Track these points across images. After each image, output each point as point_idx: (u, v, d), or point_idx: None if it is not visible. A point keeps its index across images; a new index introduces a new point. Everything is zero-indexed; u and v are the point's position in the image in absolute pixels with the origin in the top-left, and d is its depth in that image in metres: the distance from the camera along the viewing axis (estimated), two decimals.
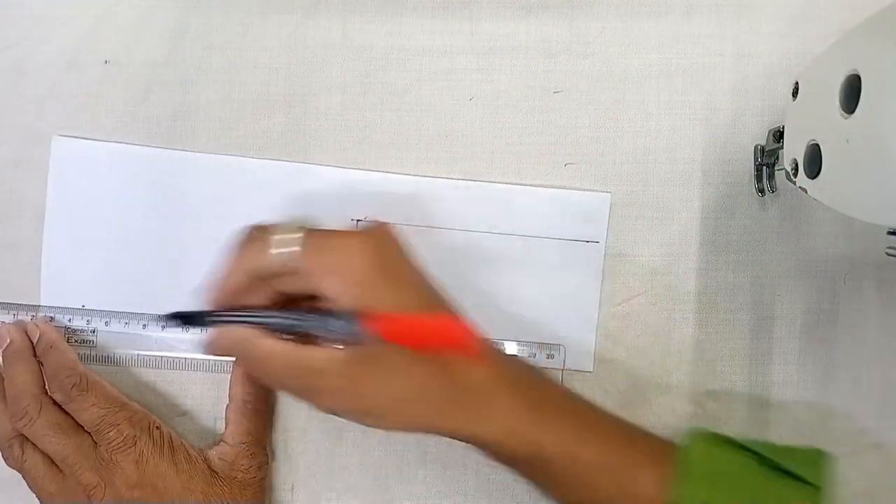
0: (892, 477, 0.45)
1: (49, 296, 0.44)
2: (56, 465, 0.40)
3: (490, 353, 0.38)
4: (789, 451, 0.39)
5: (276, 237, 0.35)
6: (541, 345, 0.44)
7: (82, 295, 0.44)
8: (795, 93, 0.37)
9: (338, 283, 0.34)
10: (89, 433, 0.40)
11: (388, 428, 0.37)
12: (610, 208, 0.45)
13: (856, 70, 0.31)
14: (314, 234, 0.35)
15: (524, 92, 0.45)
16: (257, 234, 0.36)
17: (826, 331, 0.45)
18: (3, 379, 0.42)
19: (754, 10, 0.45)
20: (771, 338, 0.45)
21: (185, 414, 0.44)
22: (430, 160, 0.45)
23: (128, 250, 0.44)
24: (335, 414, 0.36)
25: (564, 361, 0.44)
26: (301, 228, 0.35)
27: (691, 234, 0.45)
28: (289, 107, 0.45)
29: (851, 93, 0.31)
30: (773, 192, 0.44)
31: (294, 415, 0.44)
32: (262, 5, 0.45)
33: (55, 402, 0.41)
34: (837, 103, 0.32)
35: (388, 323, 0.32)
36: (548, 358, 0.44)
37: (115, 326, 0.44)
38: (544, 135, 0.45)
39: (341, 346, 0.34)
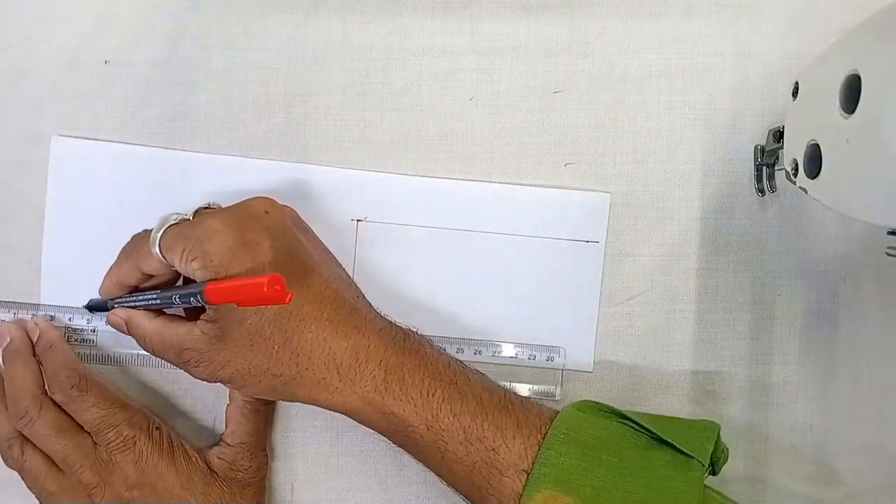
0: (893, 477, 0.45)
1: (49, 295, 0.44)
2: (56, 466, 0.40)
3: (365, 326, 0.38)
4: (674, 422, 0.38)
5: (151, 235, 0.38)
6: (542, 347, 0.44)
7: (82, 294, 0.44)
8: (795, 93, 0.37)
9: (197, 269, 0.37)
10: (89, 433, 0.40)
11: (251, 395, 0.41)
12: (610, 208, 0.45)
13: (856, 70, 0.31)
14: (175, 228, 0.38)
15: (524, 92, 0.45)
16: (142, 235, 0.40)
17: (826, 331, 0.45)
18: (3, 378, 0.42)
19: (754, 10, 0.45)
20: (771, 338, 0.45)
21: (184, 414, 0.44)
22: (430, 160, 0.45)
23: None
24: (209, 381, 0.38)
25: (564, 363, 0.44)
26: (168, 221, 0.38)
27: (691, 234, 0.45)
28: (289, 107, 0.45)
29: (851, 93, 0.31)
30: (773, 192, 0.44)
31: (294, 415, 0.44)
32: (262, 5, 0.45)
33: (55, 402, 0.41)
34: (837, 103, 0.32)
35: (212, 287, 0.35)
36: (547, 360, 0.44)
37: None
38: (544, 135, 0.45)
39: (206, 321, 0.38)
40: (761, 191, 0.44)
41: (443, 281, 0.44)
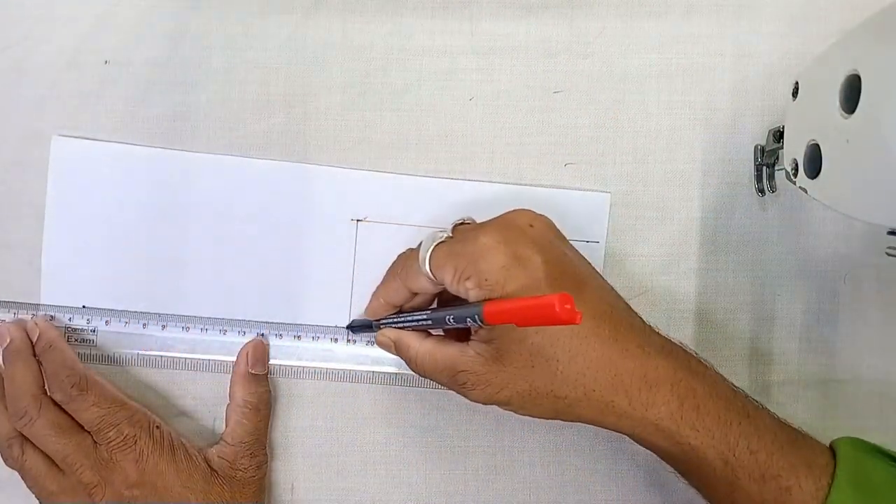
0: None
1: (49, 295, 0.44)
2: (56, 465, 0.40)
3: (647, 344, 0.37)
4: None
5: (419, 255, 0.38)
6: None
7: (82, 294, 0.44)
8: (795, 93, 0.37)
9: (471, 288, 0.36)
10: (89, 432, 0.40)
11: (528, 416, 0.38)
12: (610, 208, 0.45)
13: (856, 70, 0.31)
14: (443, 246, 0.37)
15: (524, 92, 0.45)
16: (410, 255, 0.40)
17: (826, 331, 0.45)
18: (3, 378, 0.42)
19: (754, 10, 0.45)
20: (771, 338, 0.45)
21: (184, 414, 0.44)
22: (430, 160, 0.45)
23: (128, 250, 0.44)
24: (485, 403, 0.37)
25: None
26: (435, 238, 0.38)
27: (691, 234, 0.45)
28: (289, 107, 0.45)
29: (851, 93, 0.31)
30: (773, 192, 0.44)
31: (294, 415, 0.44)
32: (262, 5, 0.45)
33: (55, 402, 0.41)
34: (837, 103, 0.32)
35: (492, 308, 0.33)
36: None
37: (115, 326, 0.44)
38: (544, 135, 0.45)
39: (479, 341, 0.36)
40: (761, 191, 0.44)
41: None
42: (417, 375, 0.40)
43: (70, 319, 0.44)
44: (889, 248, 0.34)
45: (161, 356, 0.44)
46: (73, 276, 0.44)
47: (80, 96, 0.44)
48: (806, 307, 0.45)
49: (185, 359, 0.44)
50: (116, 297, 0.44)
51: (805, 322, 0.45)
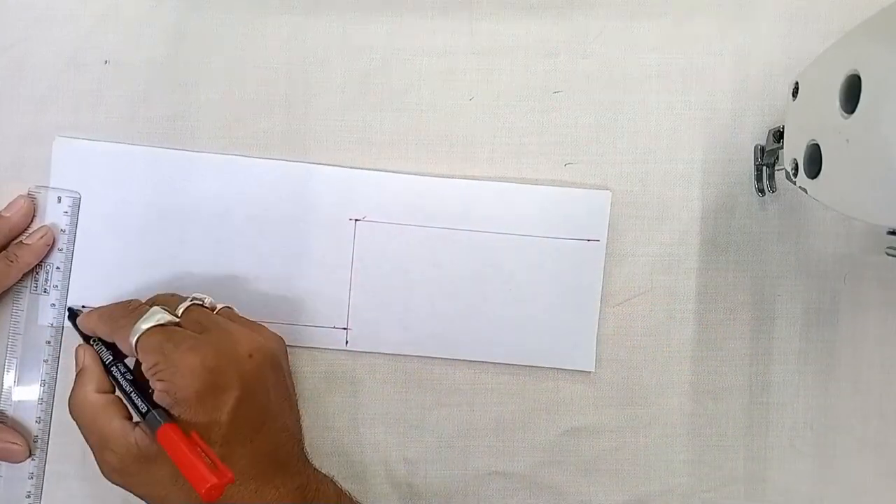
0: (893, 477, 0.45)
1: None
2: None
3: (280, 482, 0.38)
4: None
5: (135, 325, 0.38)
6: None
7: (82, 295, 0.44)
8: (795, 93, 0.37)
9: (160, 390, 0.37)
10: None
11: None
12: (610, 207, 0.45)
13: (856, 70, 0.31)
14: (159, 335, 0.37)
15: (524, 92, 0.45)
16: (133, 310, 0.39)
17: (826, 331, 0.45)
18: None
19: (754, 10, 0.45)
20: (771, 338, 0.45)
21: None
22: (430, 160, 0.45)
23: (128, 250, 0.44)
24: (108, 480, 0.38)
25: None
26: (158, 320, 0.38)
27: (691, 234, 0.45)
28: (289, 107, 0.45)
29: (851, 93, 0.31)
30: (773, 192, 0.44)
31: None
32: (262, 5, 0.45)
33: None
34: (837, 103, 0.32)
35: (164, 439, 0.35)
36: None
37: None
38: (544, 135, 0.45)
39: (143, 432, 0.37)
40: (761, 191, 0.44)
41: (442, 280, 0.44)
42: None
43: None
44: (889, 248, 0.34)
45: None
46: (74, 276, 0.44)
47: (80, 96, 0.44)
48: (806, 307, 0.45)
49: None
50: (117, 298, 0.44)
51: (805, 322, 0.45)
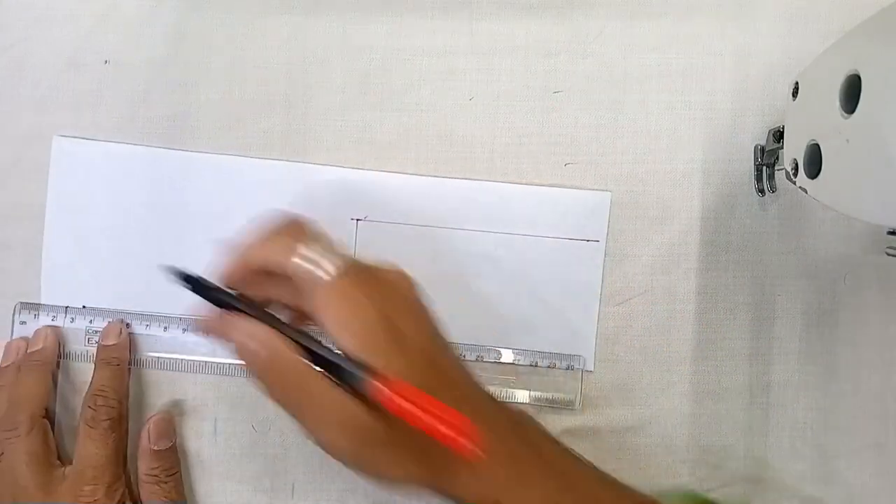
0: (892, 477, 0.45)
1: (49, 295, 0.44)
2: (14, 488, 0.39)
3: (485, 413, 0.34)
4: None
5: (305, 251, 0.32)
6: (562, 355, 0.44)
7: (83, 295, 0.44)
8: (795, 93, 0.37)
9: (345, 335, 0.32)
10: (63, 466, 0.40)
11: (382, 482, 0.34)
12: (610, 207, 0.45)
13: (856, 70, 0.31)
14: (337, 278, 0.32)
15: (524, 92, 0.45)
16: (292, 230, 0.34)
17: (826, 331, 0.45)
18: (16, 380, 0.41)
19: (754, 10, 0.45)
20: (771, 338, 0.45)
21: (184, 414, 0.44)
22: (430, 160, 0.45)
23: (128, 250, 0.44)
24: (323, 449, 0.33)
25: (583, 371, 0.44)
26: (333, 258, 0.33)
27: (691, 234, 0.45)
28: (289, 107, 0.45)
29: (851, 93, 0.31)
30: (773, 192, 0.44)
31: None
32: (262, 5, 0.45)
33: (47, 429, 0.41)
34: (837, 103, 0.32)
35: (394, 397, 0.30)
36: (567, 368, 0.44)
37: None
38: (544, 135, 0.45)
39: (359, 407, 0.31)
40: (761, 191, 0.44)
41: (442, 280, 0.44)
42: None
43: (71, 320, 0.44)
44: (889, 248, 0.34)
45: (162, 357, 0.44)
46: (73, 276, 0.44)
47: (80, 96, 0.44)
48: (806, 307, 0.45)
49: (186, 360, 0.44)
50: (116, 298, 0.44)
51: (805, 322, 0.45)
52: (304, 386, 0.31)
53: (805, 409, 0.45)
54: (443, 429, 0.29)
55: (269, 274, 0.33)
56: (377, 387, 0.30)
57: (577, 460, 0.38)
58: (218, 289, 0.34)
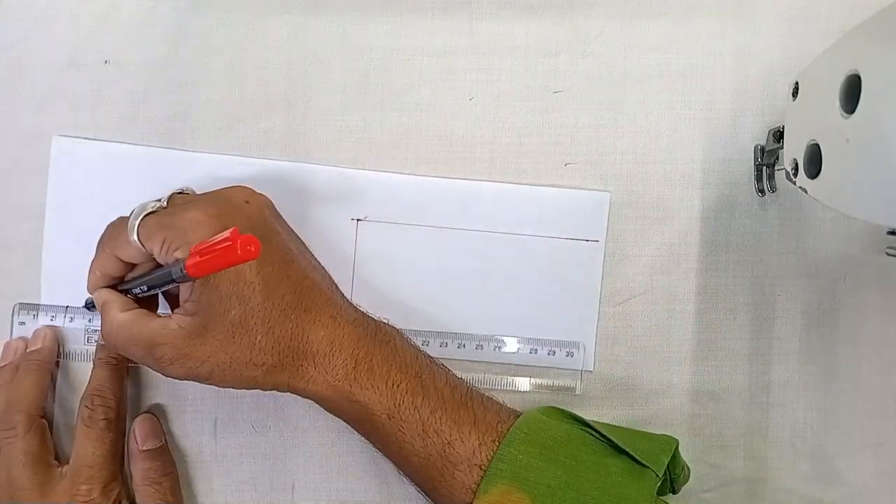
0: (893, 477, 0.45)
1: (49, 295, 0.44)
2: (9, 488, 0.39)
3: (339, 315, 0.39)
4: (634, 434, 0.39)
5: (129, 223, 0.37)
6: (561, 342, 0.44)
7: (82, 294, 0.44)
8: (795, 93, 0.37)
9: (179, 258, 0.35)
10: (61, 466, 0.40)
11: (228, 387, 0.38)
12: (610, 208, 0.45)
13: (856, 70, 0.31)
14: (154, 217, 0.37)
15: (524, 92, 0.45)
16: (119, 224, 0.39)
17: (826, 331, 0.45)
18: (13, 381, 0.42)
19: (754, 10, 0.45)
20: (771, 338, 0.45)
21: (185, 414, 0.44)
22: (430, 160, 0.45)
23: None
24: (183, 379, 0.38)
25: (584, 359, 0.44)
26: (146, 208, 0.38)
27: (691, 234, 0.45)
28: (289, 107, 0.45)
29: (851, 93, 0.31)
30: (773, 192, 0.44)
31: (294, 415, 0.44)
32: (262, 5, 0.45)
33: (44, 429, 0.41)
34: (837, 103, 0.32)
35: (192, 260, 0.33)
36: (567, 355, 0.44)
37: None
38: (544, 135, 0.45)
39: (183, 315, 0.37)
40: (761, 191, 0.44)
41: (442, 280, 0.44)
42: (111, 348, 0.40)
43: (71, 320, 0.44)
44: (889, 248, 0.34)
45: None
46: (73, 276, 0.44)
47: (80, 96, 0.44)
48: (806, 307, 0.45)
49: None
50: None
51: (805, 322, 0.45)
52: (131, 324, 0.38)
53: (805, 409, 0.45)
54: (220, 242, 0.32)
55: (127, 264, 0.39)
56: (184, 266, 0.33)
57: (435, 365, 0.40)
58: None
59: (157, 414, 0.44)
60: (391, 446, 0.39)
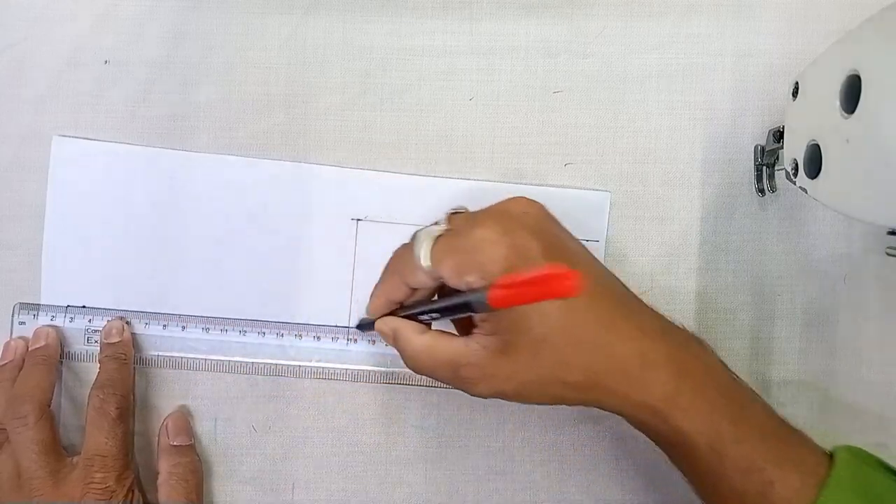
0: None
1: (49, 295, 0.44)
2: (20, 479, 0.39)
3: (646, 326, 0.36)
4: None
5: (415, 250, 0.36)
6: None
7: (83, 295, 0.44)
8: (795, 93, 0.37)
9: (473, 282, 0.34)
10: (71, 457, 0.40)
11: (532, 404, 0.37)
12: (610, 208, 0.45)
13: (856, 70, 0.31)
14: (442, 241, 0.36)
15: (524, 92, 0.45)
16: (404, 251, 0.38)
17: (826, 331, 0.45)
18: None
19: (754, 10, 0.45)
20: (771, 337, 0.45)
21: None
22: (430, 160, 0.45)
23: (128, 250, 0.44)
24: (488, 397, 0.36)
25: None
26: (432, 233, 0.36)
27: (691, 234, 0.45)
28: (289, 107, 0.45)
29: (851, 93, 0.31)
30: (773, 192, 0.44)
31: (294, 415, 0.44)
32: (262, 5, 0.45)
33: (53, 419, 0.41)
34: (837, 103, 0.32)
35: (496, 292, 0.30)
36: None
37: None
38: (544, 135, 0.45)
39: (483, 334, 0.36)
40: (761, 191, 0.44)
41: None
42: (413, 372, 0.39)
43: (71, 320, 0.44)
44: (889, 248, 0.34)
45: (162, 356, 0.44)
46: (73, 276, 0.44)
47: (80, 96, 0.44)
48: (806, 307, 0.45)
49: (186, 359, 0.44)
50: (116, 297, 0.44)
51: (805, 322, 0.45)
52: (432, 348, 0.37)
53: (805, 409, 0.45)
54: (537, 276, 0.29)
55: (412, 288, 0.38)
56: (486, 296, 0.30)
57: (748, 389, 0.37)
58: (370, 322, 0.41)
59: (156, 412, 0.44)
60: (706, 479, 0.36)
